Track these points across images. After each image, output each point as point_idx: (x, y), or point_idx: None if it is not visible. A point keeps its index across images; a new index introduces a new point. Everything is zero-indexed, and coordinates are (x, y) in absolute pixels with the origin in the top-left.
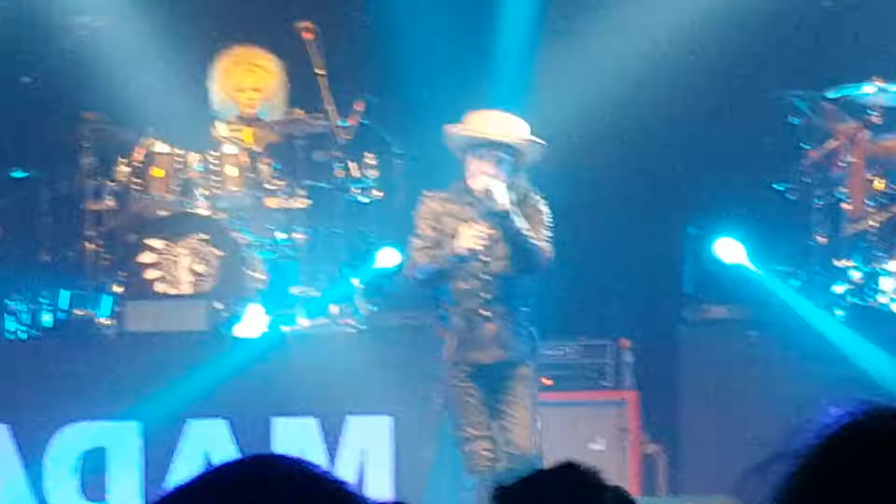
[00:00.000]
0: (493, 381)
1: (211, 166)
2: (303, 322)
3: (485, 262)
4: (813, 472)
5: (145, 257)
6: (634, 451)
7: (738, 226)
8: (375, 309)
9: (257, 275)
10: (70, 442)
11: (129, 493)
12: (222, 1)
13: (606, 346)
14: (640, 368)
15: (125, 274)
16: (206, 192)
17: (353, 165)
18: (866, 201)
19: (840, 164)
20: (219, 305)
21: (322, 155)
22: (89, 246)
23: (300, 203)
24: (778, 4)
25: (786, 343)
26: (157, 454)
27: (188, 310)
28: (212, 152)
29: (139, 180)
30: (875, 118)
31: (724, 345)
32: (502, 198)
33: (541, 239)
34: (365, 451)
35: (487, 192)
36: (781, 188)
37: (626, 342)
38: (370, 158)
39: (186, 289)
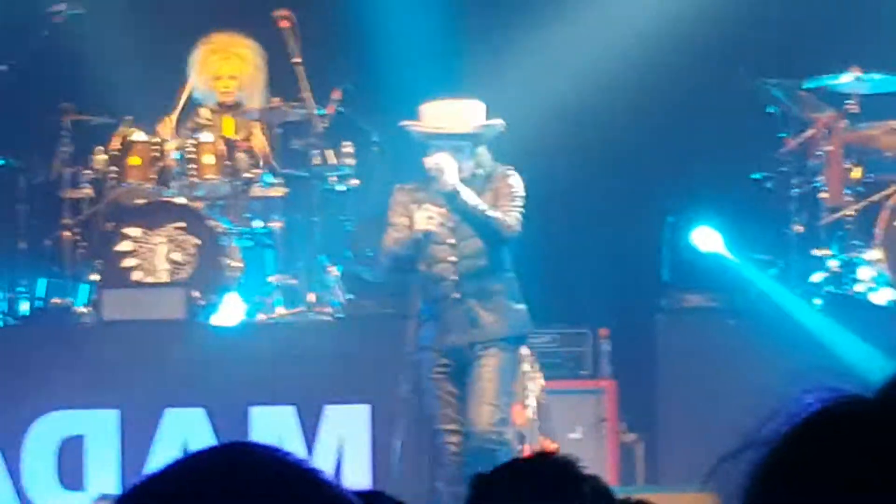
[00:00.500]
0: (467, 362)
1: (188, 155)
2: (280, 311)
3: (451, 245)
4: (781, 461)
5: (122, 245)
6: (612, 440)
7: (715, 214)
8: (353, 297)
9: (234, 263)
10: (48, 430)
11: (107, 481)
12: None
13: (584, 335)
14: (617, 357)
15: (102, 262)
16: (184, 181)
17: (330, 154)
18: (844, 190)
19: (817, 153)
20: (196, 294)
21: (299, 143)
22: (66, 234)
23: (277, 191)
24: None
25: (763, 331)
26: (136, 442)
27: (165, 298)
28: (189, 141)
29: (116, 169)
30: (852, 107)
31: (702, 333)
32: (452, 176)
33: (505, 211)
34: (342, 439)
35: (438, 168)
36: (759, 177)
37: (603, 331)
38: (347, 147)
39: (163, 277)
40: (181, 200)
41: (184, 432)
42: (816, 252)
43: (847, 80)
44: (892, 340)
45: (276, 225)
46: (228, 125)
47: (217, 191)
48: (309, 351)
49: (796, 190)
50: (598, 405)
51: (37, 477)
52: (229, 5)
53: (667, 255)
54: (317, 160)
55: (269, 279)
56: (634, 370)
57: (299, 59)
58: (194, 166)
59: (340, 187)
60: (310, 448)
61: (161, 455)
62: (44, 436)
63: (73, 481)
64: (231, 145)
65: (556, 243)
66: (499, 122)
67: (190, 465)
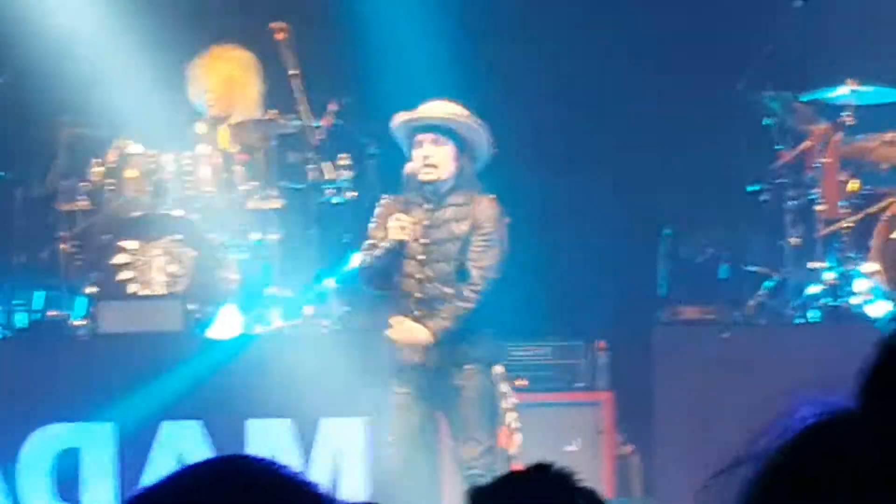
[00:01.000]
0: (429, 384)
1: (184, 167)
2: (277, 323)
3: (420, 262)
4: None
5: (119, 258)
6: (609, 453)
7: (711, 227)
8: (349, 309)
9: (231, 276)
10: (44, 443)
11: (103, 494)
12: (196, 1)
13: (581, 348)
14: (614, 369)
15: (99, 275)
16: (180, 193)
17: (326, 166)
18: (840, 202)
19: (813, 165)
20: (192, 306)
21: (296, 156)
22: (63, 247)
23: (274, 204)
24: (752, 4)
25: (759, 345)
26: (132, 456)
27: (162, 310)
28: (185, 153)
29: (113, 181)
30: (848, 119)
31: (699, 346)
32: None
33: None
34: (339, 452)
35: (413, 173)
36: (755, 189)
37: (600, 343)
38: (344, 159)
39: (160, 289)
40: (178, 213)
41: (180, 445)
42: (812, 264)
43: (843, 92)
44: None
45: (272, 237)
46: (224, 137)
47: (213, 203)
48: (305, 363)
49: (792, 202)
50: (594, 417)
51: (32, 490)
52: (226, 18)
53: (663, 267)
54: (313, 173)
55: (266, 291)
56: (631, 382)
57: (296, 72)
58: (191, 179)
59: (337, 200)
60: (306, 461)
61: (157, 468)
62: (40, 449)
63: (68, 494)
64: (227, 157)
65: (553, 256)
66: (473, 120)
67: (186, 478)
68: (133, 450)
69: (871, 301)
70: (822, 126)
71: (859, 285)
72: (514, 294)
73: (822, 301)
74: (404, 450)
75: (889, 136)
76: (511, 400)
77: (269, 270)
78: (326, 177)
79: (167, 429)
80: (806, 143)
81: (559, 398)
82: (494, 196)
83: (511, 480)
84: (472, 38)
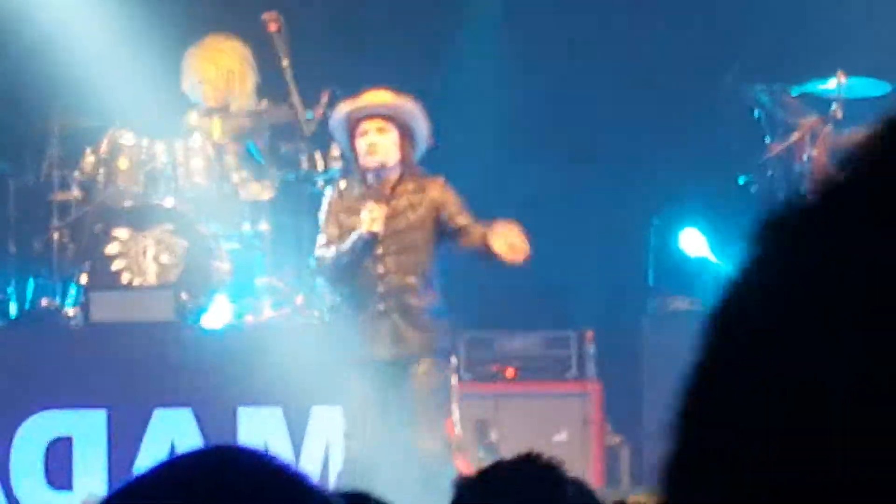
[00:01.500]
0: (393, 378)
1: (177, 158)
2: (268, 313)
3: (378, 256)
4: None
5: (111, 248)
6: (597, 443)
7: (701, 218)
8: (340, 299)
9: (223, 266)
10: (36, 431)
11: (95, 481)
12: None
13: (570, 338)
14: (603, 360)
15: (91, 264)
16: (172, 184)
17: (318, 157)
18: None
19: (803, 157)
20: (184, 296)
21: (287, 146)
22: (55, 237)
23: (266, 194)
24: None
25: None
26: (124, 443)
27: (154, 300)
28: (178, 144)
29: (105, 171)
30: (837, 111)
31: (687, 337)
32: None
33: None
34: (330, 440)
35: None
36: (744, 181)
37: (589, 333)
38: (335, 150)
39: (152, 279)
40: (170, 203)
41: (172, 433)
42: None
43: (832, 85)
44: None
45: (264, 228)
46: (217, 128)
47: (206, 193)
48: (297, 353)
49: (781, 194)
50: (583, 408)
51: (25, 477)
52: (219, 9)
53: (652, 258)
54: (305, 163)
55: (258, 281)
56: (620, 373)
57: (287, 62)
58: (183, 169)
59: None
60: (297, 449)
61: (149, 455)
62: (32, 436)
63: (60, 482)
64: (220, 148)
65: (542, 246)
66: (411, 107)
67: (176, 469)
68: (125, 437)
69: None
70: (811, 119)
71: None
72: (502, 284)
73: None
74: (363, 442)
75: None
76: (456, 392)
77: (261, 260)
78: (318, 168)
79: (159, 416)
80: (795, 136)
81: (547, 388)
82: (443, 176)
83: (499, 470)
84: (459, 27)
